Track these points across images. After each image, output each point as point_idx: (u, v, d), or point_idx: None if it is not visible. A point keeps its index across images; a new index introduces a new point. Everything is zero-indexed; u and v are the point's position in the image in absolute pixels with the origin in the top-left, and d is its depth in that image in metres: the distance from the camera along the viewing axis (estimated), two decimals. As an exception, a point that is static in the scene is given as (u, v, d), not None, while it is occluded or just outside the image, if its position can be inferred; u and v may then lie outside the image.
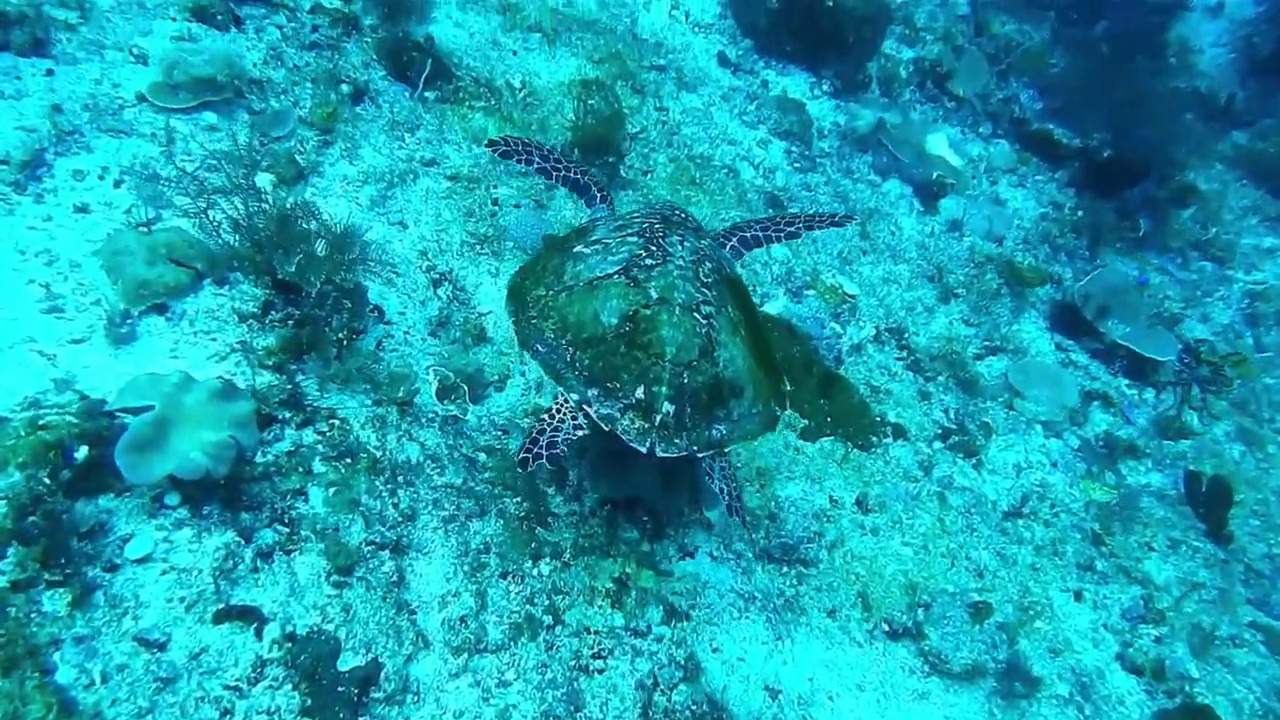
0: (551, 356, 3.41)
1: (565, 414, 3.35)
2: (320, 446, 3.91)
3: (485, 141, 4.62)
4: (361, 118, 5.61)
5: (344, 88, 5.65)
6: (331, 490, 3.80)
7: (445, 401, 4.48)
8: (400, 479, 4.01)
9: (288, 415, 3.93)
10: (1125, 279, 7.76)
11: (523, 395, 4.72)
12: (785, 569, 4.74)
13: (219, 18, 5.48)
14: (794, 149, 7.28)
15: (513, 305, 3.61)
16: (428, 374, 4.53)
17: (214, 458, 3.38)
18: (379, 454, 4.03)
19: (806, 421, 5.41)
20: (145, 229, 4.20)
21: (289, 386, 3.97)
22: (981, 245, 7.47)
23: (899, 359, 6.20)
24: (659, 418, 3.26)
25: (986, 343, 6.78)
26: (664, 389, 3.27)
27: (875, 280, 6.78)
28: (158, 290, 4.00)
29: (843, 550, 4.93)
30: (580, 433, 3.33)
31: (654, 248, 3.59)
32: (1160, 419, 6.87)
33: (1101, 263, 8.23)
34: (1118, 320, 7.26)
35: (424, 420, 4.32)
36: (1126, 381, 7.19)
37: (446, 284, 5.08)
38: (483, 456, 4.32)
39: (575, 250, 3.70)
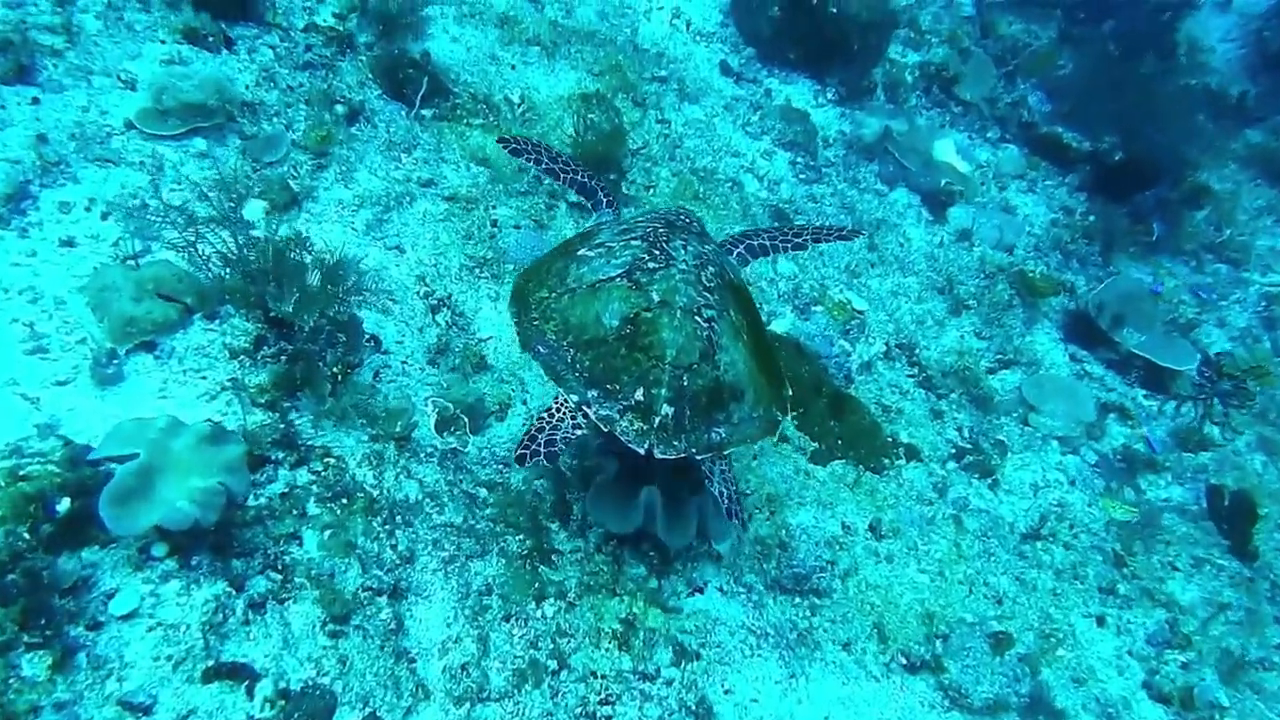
0: (552, 358, 3.44)
1: (564, 414, 3.36)
2: (315, 487, 3.78)
3: (497, 138, 4.67)
4: (357, 139, 5.49)
5: (339, 108, 5.53)
6: (326, 533, 3.67)
7: (445, 434, 4.35)
8: (398, 519, 3.88)
9: (281, 455, 3.79)
10: (1139, 286, 7.59)
11: (524, 425, 4.58)
12: (798, 600, 4.59)
13: (210, 39, 5.36)
14: (799, 160, 7.13)
15: (515, 307, 3.63)
16: (426, 406, 4.40)
17: (203, 506, 3.25)
18: (376, 493, 3.90)
19: (816, 445, 5.26)
20: (133, 263, 4.08)
21: (282, 425, 3.84)
22: (992, 255, 7.31)
23: (910, 376, 6.04)
24: (658, 419, 3.29)
25: (999, 356, 6.62)
26: (663, 391, 3.30)
27: (884, 293, 6.62)
28: (145, 327, 3.87)
29: (857, 579, 4.77)
30: (579, 432, 3.34)
31: (657, 252, 3.61)
32: (1179, 430, 6.70)
33: (1114, 269, 8.06)
34: (1133, 329, 7.08)
35: (423, 455, 4.18)
36: (1144, 392, 7.02)
37: (445, 309, 4.94)
38: (483, 492, 4.18)
39: (579, 254, 3.72)
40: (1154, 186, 8.97)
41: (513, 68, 6.66)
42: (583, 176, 4.47)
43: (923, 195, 7.48)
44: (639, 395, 3.30)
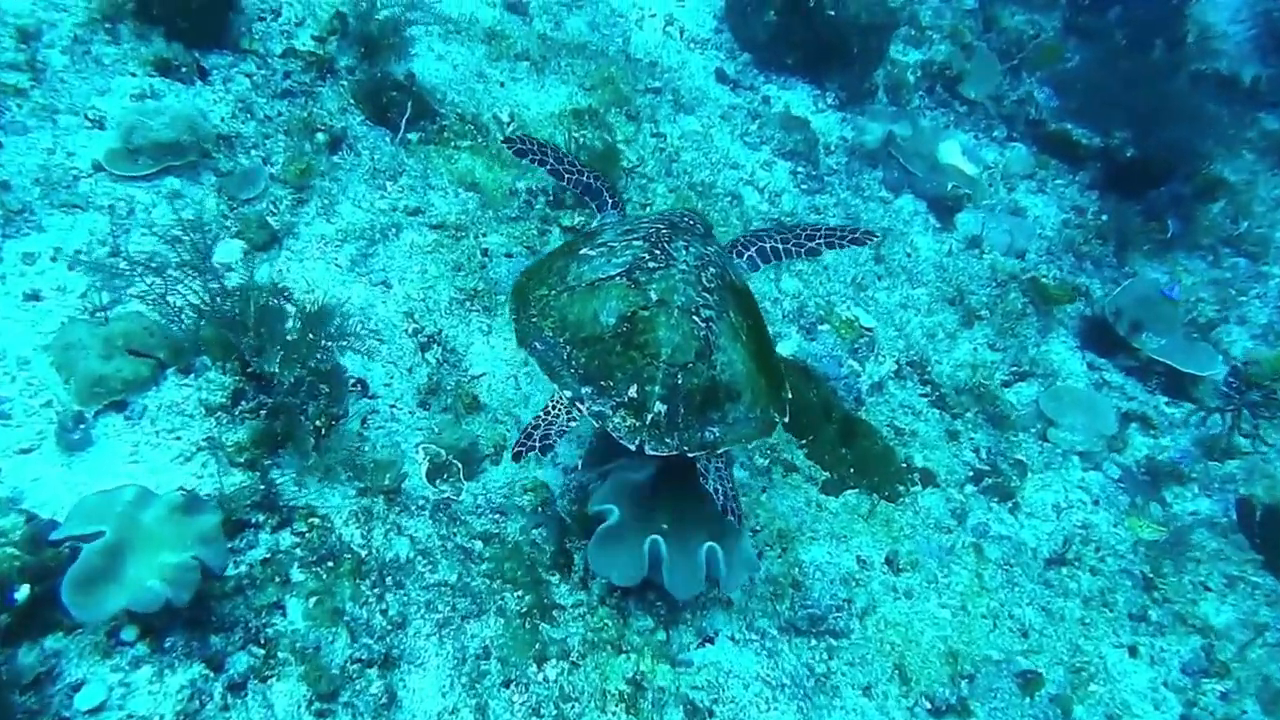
0: (549, 354, 3.51)
1: (559, 410, 3.45)
2: (299, 551, 3.57)
3: (502, 139, 4.74)
4: (340, 167, 5.27)
5: (320, 136, 5.31)
6: (312, 601, 3.46)
7: (437, 483, 4.13)
8: (388, 580, 3.66)
9: (262, 518, 3.58)
10: (1156, 287, 7.32)
11: (521, 468, 4.36)
12: (814, 642, 4.36)
13: (183, 70, 5.14)
14: (800, 169, 6.89)
15: (515, 303, 3.71)
16: (417, 453, 4.18)
17: (175, 584, 3.04)
18: (364, 554, 3.68)
19: (828, 474, 5.03)
20: (101, 316, 3.87)
21: (262, 486, 3.62)
22: (1003, 262, 7.06)
23: (923, 395, 5.80)
24: (650, 416, 3.34)
25: (1014, 368, 6.37)
26: (657, 388, 3.35)
27: (892, 306, 6.38)
28: (115, 386, 3.66)
29: (875, 617, 4.55)
30: (573, 424, 3.44)
31: (658, 251, 3.65)
32: (1205, 439, 6.44)
33: (1130, 270, 7.81)
34: (1152, 333, 6.83)
35: (414, 508, 3.97)
36: (1165, 399, 6.77)
37: (435, 346, 4.72)
38: (479, 545, 3.97)
39: (581, 252, 3.77)
40: (1167, 181, 8.69)
41: (501, 85, 6.43)
42: (588, 177, 4.45)
43: (929, 201, 7.23)
44: (632, 392, 3.35)
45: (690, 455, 3.44)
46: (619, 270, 3.57)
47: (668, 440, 3.36)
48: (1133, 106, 8.71)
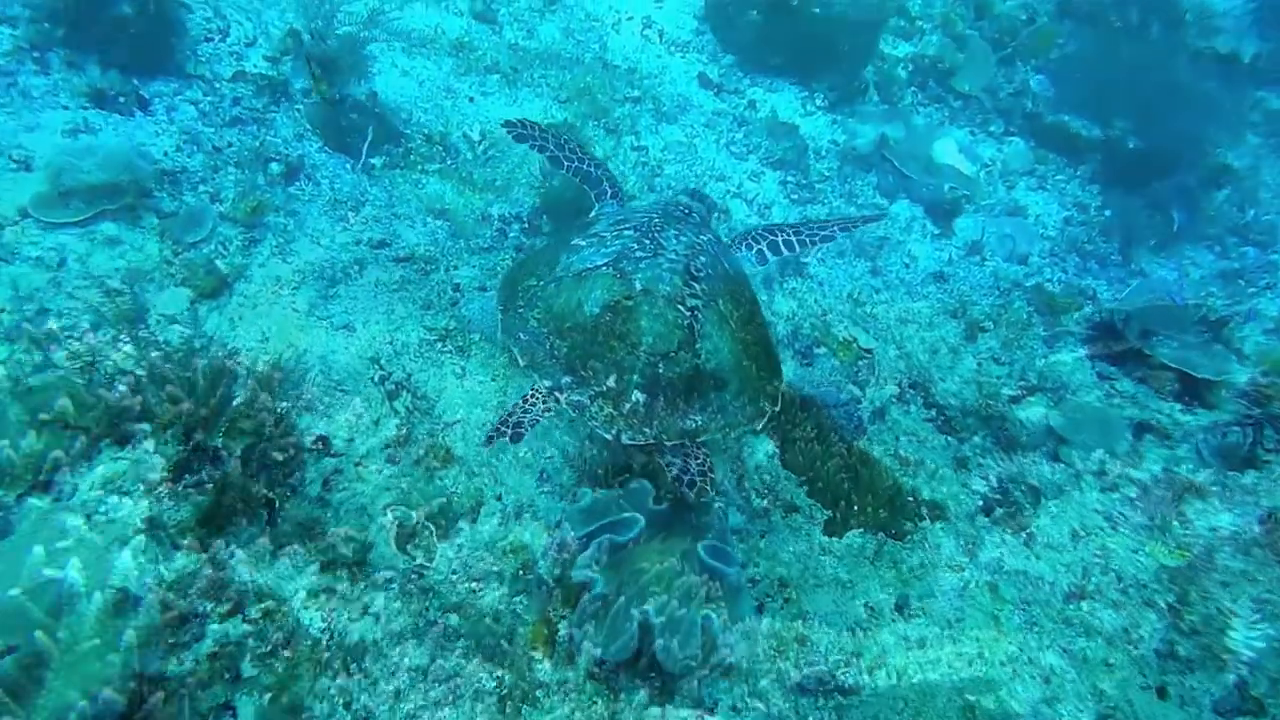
0: (532, 344, 3.51)
1: (537, 399, 3.46)
2: (251, 641, 3.23)
3: (501, 123, 4.65)
4: (297, 199, 4.91)
5: (274, 167, 4.95)
6: (266, 698, 3.12)
7: (408, 548, 3.79)
8: (353, 668, 3.33)
9: (209, 607, 3.24)
10: (1165, 287, 7.01)
11: (500, 526, 4.02)
12: (822, 702, 4.04)
13: (121, 100, 4.77)
14: (790, 178, 6.54)
15: (503, 294, 3.73)
16: (385, 515, 3.84)
17: (104, 701, 2.70)
18: (325, 639, 3.35)
19: (830, 513, 4.71)
20: (24, 385, 3.51)
21: (209, 570, 3.28)
22: (1005, 269, 6.72)
23: (927, 419, 5.47)
24: (628, 405, 3.33)
25: (1022, 382, 6.04)
26: (636, 378, 3.34)
27: (891, 321, 6.05)
28: (41, 465, 3.31)
29: (886, 670, 4.22)
30: (549, 413, 3.45)
31: (647, 241, 3.65)
32: (1224, 448, 6.12)
33: (1137, 268, 7.49)
34: (1164, 338, 6.51)
35: (381, 581, 3.62)
36: (1180, 406, 6.44)
37: (405, 393, 4.37)
38: (454, 619, 3.63)
39: (572, 243, 3.78)
40: (1171, 172, 8.37)
41: (471, 100, 6.07)
42: (588, 166, 4.43)
43: (926, 206, 6.89)
44: (611, 381, 3.34)
45: (669, 444, 3.40)
46: (606, 260, 3.56)
47: (645, 430, 3.33)
48: (1133, 93, 8.39)
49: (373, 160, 5.31)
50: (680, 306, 3.43)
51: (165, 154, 4.68)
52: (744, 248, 4.30)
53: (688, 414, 3.40)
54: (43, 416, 3.36)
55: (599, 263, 3.59)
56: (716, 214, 4.83)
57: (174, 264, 4.26)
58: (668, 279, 3.48)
